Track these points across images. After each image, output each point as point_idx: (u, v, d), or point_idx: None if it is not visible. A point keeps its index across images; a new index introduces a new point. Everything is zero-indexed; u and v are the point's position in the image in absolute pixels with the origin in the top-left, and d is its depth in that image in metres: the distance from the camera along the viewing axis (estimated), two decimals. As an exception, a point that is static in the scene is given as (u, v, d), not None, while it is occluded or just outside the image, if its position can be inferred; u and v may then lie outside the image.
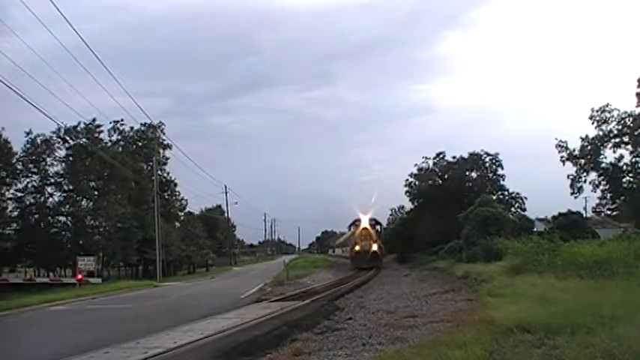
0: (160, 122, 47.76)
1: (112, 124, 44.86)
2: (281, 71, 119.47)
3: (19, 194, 40.21)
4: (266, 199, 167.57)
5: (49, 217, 41.08)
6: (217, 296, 20.13)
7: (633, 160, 35.62)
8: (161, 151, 47.33)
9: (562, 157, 36.72)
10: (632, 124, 34.72)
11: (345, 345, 8.42)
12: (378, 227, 40.98)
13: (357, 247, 38.11)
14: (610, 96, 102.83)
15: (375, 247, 37.88)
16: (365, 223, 38.92)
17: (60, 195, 41.69)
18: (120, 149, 45.28)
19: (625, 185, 36.10)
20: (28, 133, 39.89)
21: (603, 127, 35.64)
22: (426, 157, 45.06)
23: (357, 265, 35.99)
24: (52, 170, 41.26)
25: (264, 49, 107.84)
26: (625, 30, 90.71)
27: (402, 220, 50.99)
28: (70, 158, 41.17)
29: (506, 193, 42.12)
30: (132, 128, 46.32)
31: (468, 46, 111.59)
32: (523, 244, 18.89)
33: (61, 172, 41.37)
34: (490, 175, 43.57)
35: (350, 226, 41.93)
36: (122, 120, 45.00)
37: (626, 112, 35.10)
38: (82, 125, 41.01)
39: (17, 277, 37.36)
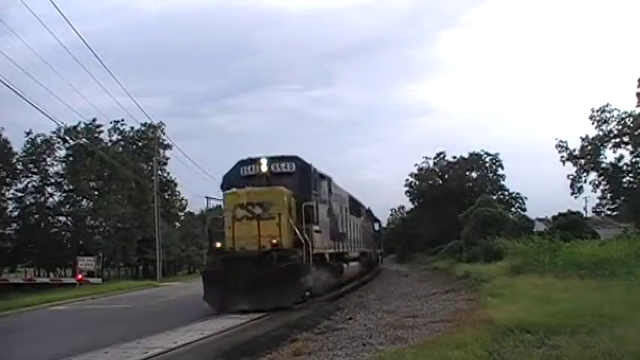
0: (160, 122, 47.65)
1: (112, 124, 44.89)
2: (281, 71, 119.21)
3: (19, 194, 40.43)
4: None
5: (49, 217, 41.20)
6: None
7: (633, 160, 35.73)
8: (161, 151, 47.20)
9: (562, 157, 36.86)
10: (632, 124, 34.78)
11: (345, 345, 8.39)
12: (322, 185, 15.60)
13: (219, 244, 13.22)
14: (610, 96, 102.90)
15: (287, 238, 12.75)
16: (264, 167, 13.88)
17: (60, 195, 41.89)
18: (120, 149, 45.26)
19: (625, 185, 36.17)
20: (28, 133, 40.16)
21: (603, 127, 35.76)
22: (426, 157, 45.19)
23: (219, 302, 12.68)
24: (52, 170, 41.54)
25: (264, 49, 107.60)
26: (625, 30, 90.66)
27: (402, 220, 51.08)
28: (70, 158, 41.25)
29: (506, 193, 42.26)
30: (132, 128, 46.35)
31: (467, 46, 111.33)
32: (523, 244, 18.85)
33: (61, 172, 41.54)
34: (490, 175, 43.70)
35: (225, 183, 14.80)
36: (122, 120, 45.03)
37: (626, 112, 35.23)
38: (82, 125, 41.03)
39: (17, 277, 37.38)
